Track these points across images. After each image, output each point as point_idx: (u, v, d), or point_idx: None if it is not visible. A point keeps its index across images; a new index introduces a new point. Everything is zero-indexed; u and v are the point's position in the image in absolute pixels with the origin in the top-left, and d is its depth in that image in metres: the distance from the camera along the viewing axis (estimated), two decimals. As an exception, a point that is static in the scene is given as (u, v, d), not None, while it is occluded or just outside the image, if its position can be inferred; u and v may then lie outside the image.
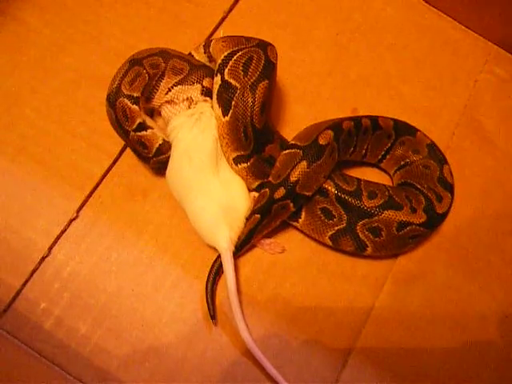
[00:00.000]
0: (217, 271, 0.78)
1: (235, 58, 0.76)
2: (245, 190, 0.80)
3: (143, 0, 0.93)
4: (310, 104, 0.90)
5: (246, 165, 0.78)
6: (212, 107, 0.79)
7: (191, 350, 0.77)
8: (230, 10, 0.94)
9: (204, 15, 0.93)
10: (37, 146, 0.84)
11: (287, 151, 0.78)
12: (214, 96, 0.77)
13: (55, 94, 0.87)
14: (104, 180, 0.84)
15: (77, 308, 0.78)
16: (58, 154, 0.84)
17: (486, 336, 0.80)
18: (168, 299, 0.79)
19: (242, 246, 0.78)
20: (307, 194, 0.76)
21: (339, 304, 0.80)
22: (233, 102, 0.74)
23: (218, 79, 0.76)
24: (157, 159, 0.79)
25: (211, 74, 0.79)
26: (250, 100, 0.74)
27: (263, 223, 0.77)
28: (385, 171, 0.88)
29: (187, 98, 0.80)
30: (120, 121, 0.76)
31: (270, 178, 0.77)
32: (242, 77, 0.75)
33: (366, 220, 0.77)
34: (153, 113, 0.83)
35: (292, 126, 0.87)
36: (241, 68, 0.75)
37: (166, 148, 0.79)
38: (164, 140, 0.79)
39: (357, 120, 0.81)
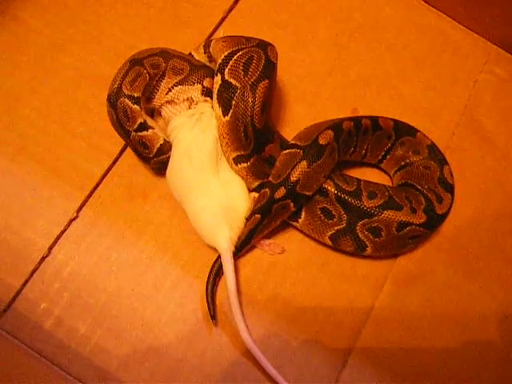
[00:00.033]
0: (217, 272, 0.78)
1: (235, 57, 0.76)
2: (245, 191, 0.80)
3: (143, 0, 0.93)
4: (310, 104, 0.90)
5: (245, 164, 0.78)
6: (212, 107, 0.79)
7: (191, 350, 0.77)
8: (230, 10, 0.94)
9: (204, 15, 0.93)
10: (37, 146, 0.84)
11: (287, 151, 0.78)
12: (214, 96, 0.77)
13: (55, 93, 0.87)
14: (104, 180, 0.84)
15: (77, 308, 0.78)
16: (57, 154, 0.84)
17: (486, 336, 0.80)
18: (168, 299, 0.79)
19: (243, 246, 0.78)
20: (307, 193, 0.76)
21: (339, 304, 0.80)
22: (233, 102, 0.74)
23: (218, 79, 0.76)
24: (157, 159, 0.79)
25: (212, 75, 0.79)
26: (250, 100, 0.74)
27: (263, 223, 0.77)
28: (385, 172, 0.88)
29: (187, 98, 0.80)
30: (121, 121, 0.76)
31: (270, 178, 0.77)
32: (242, 76, 0.75)
33: (366, 220, 0.77)
34: (153, 113, 0.83)
35: (292, 126, 0.87)
36: (241, 68, 0.75)
37: (166, 148, 0.79)
38: (165, 140, 0.79)
39: (357, 120, 0.81)
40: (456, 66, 0.94)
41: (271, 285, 0.81)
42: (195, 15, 0.93)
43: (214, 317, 0.77)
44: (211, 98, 0.79)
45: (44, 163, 0.83)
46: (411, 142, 0.85)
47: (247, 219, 0.78)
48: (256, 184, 0.79)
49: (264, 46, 0.77)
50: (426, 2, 0.97)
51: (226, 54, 0.76)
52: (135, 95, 0.76)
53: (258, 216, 0.76)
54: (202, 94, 0.80)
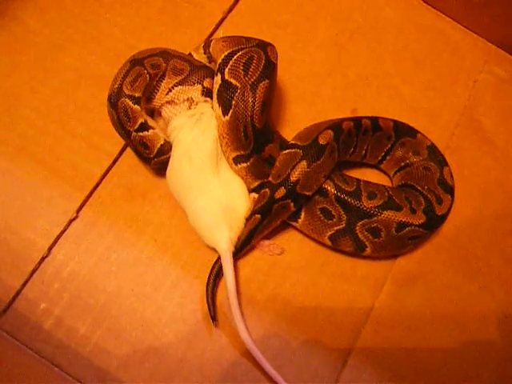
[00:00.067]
0: (217, 273, 0.78)
1: (235, 57, 0.76)
2: (245, 191, 0.80)
3: (143, 0, 0.93)
4: (310, 104, 0.90)
5: (245, 164, 0.78)
6: (212, 107, 0.79)
7: (191, 350, 0.77)
8: (230, 10, 0.94)
9: (204, 15, 0.93)
10: (37, 146, 0.84)
11: (287, 151, 0.78)
12: (214, 95, 0.77)
13: (55, 94, 0.87)
14: (104, 180, 0.84)
15: (76, 308, 0.78)
16: (57, 154, 0.84)
17: (486, 336, 0.80)
18: (168, 299, 0.79)
19: (243, 246, 0.78)
20: (307, 193, 0.76)
21: (339, 304, 0.80)
22: (233, 102, 0.74)
23: (218, 79, 0.76)
24: (158, 160, 0.79)
25: (212, 75, 0.79)
26: (250, 99, 0.74)
27: (264, 223, 0.77)
28: (385, 173, 0.88)
29: (188, 99, 0.80)
30: (122, 121, 0.76)
31: (270, 178, 0.77)
32: (242, 76, 0.75)
33: (366, 220, 0.77)
34: (153, 113, 0.83)
35: (292, 126, 0.87)
36: (241, 67, 0.75)
37: (167, 148, 0.79)
38: (165, 140, 0.79)
39: (357, 120, 0.81)
40: (456, 66, 0.94)
41: (271, 285, 0.81)
42: (195, 15, 0.93)
43: (214, 318, 0.77)
44: (211, 99, 0.79)
45: (44, 163, 0.83)
46: (411, 143, 0.85)
47: (247, 219, 0.77)
48: (256, 184, 0.79)
49: (264, 46, 0.77)
50: (425, 2, 0.97)
51: (226, 53, 0.76)
52: (136, 95, 0.76)
53: (258, 216, 0.76)
54: (203, 95, 0.80)
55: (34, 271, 0.79)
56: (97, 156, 0.84)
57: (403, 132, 0.85)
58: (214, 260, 0.79)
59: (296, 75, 0.91)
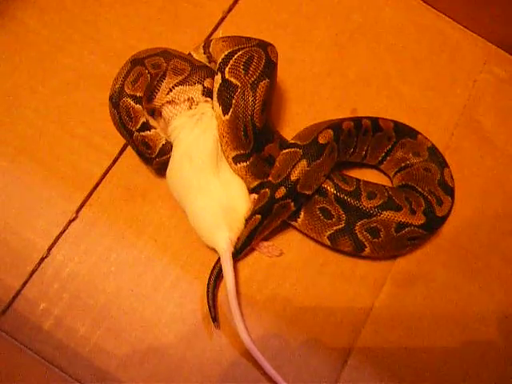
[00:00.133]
0: (217, 274, 0.78)
1: (236, 56, 0.76)
2: (245, 191, 0.80)
3: (143, 0, 0.93)
4: (310, 104, 0.90)
5: (245, 164, 0.77)
6: (213, 107, 0.79)
7: (191, 350, 0.77)
8: (230, 10, 0.94)
9: (203, 15, 0.93)
10: (36, 146, 0.84)
11: (287, 150, 0.78)
12: (215, 95, 0.77)
13: (54, 94, 0.87)
14: (103, 180, 0.84)
15: (76, 308, 0.78)
16: (57, 154, 0.84)
17: (486, 336, 0.80)
18: (167, 299, 0.79)
19: (243, 247, 0.78)
20: (307, 192, 0.76)
21: (339, 304, 0.80)
22: (233, 101, 0.74)
23: (218, 78, 0.76)
24: (159, 160, 0.79)
25: (212, 75, 0.79)
26: (250, 99, 0.74)
27: (264, 223, 0.77)
28: (385, 173, 0.88)
29: (188, 99, 0.80)
30: (124, 121, 0.76)
31: (270, 178, 0.77)
32: (242, 76, 0.75)
33: (365, 220, 0.77)
34: (154, 113, 0.83)
35: (292, 126, 0.87)
36: (241, 67, 0.75)
37: (168, 148, 0.79)
38: (167, 140, 0.79)
39: (357, 121, 0.81)
40: (455, 66, 0.94)
41: (270, 285, 0.81)
42: (195, 15, 0.93)
43: (215, 319, 0.77)
44: (212, 99, 0.79)
45: (43, 163, 0.83)
46: (412, 144, 0.85)
47: (247, 220, 0.77)
48: (255, 183, 0.79)
49: (264, 45, 0.78)
50: (425, 3, 0.97)
51: (226, 53, 0.76)
52: (137, 95, 0.76)
53: (259, 216, 0.76)
54: (203, 95, 0.80)
55: (33, 271, 0.79)
56: (96, 156, 0.84)
57: (404, 133, 0.85)
58: (214, 260, 0.79)
59: (296, 75, 0.91)
